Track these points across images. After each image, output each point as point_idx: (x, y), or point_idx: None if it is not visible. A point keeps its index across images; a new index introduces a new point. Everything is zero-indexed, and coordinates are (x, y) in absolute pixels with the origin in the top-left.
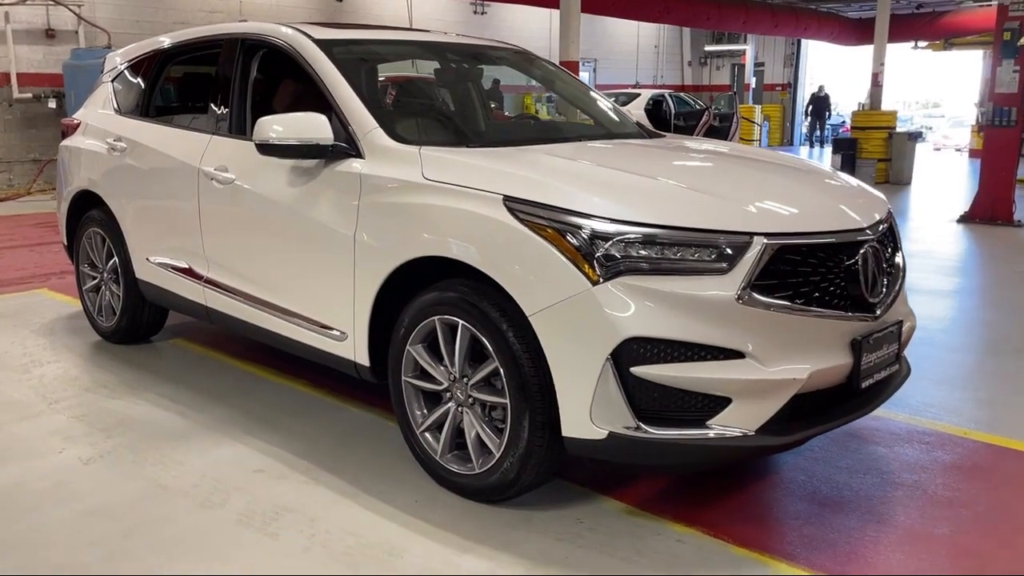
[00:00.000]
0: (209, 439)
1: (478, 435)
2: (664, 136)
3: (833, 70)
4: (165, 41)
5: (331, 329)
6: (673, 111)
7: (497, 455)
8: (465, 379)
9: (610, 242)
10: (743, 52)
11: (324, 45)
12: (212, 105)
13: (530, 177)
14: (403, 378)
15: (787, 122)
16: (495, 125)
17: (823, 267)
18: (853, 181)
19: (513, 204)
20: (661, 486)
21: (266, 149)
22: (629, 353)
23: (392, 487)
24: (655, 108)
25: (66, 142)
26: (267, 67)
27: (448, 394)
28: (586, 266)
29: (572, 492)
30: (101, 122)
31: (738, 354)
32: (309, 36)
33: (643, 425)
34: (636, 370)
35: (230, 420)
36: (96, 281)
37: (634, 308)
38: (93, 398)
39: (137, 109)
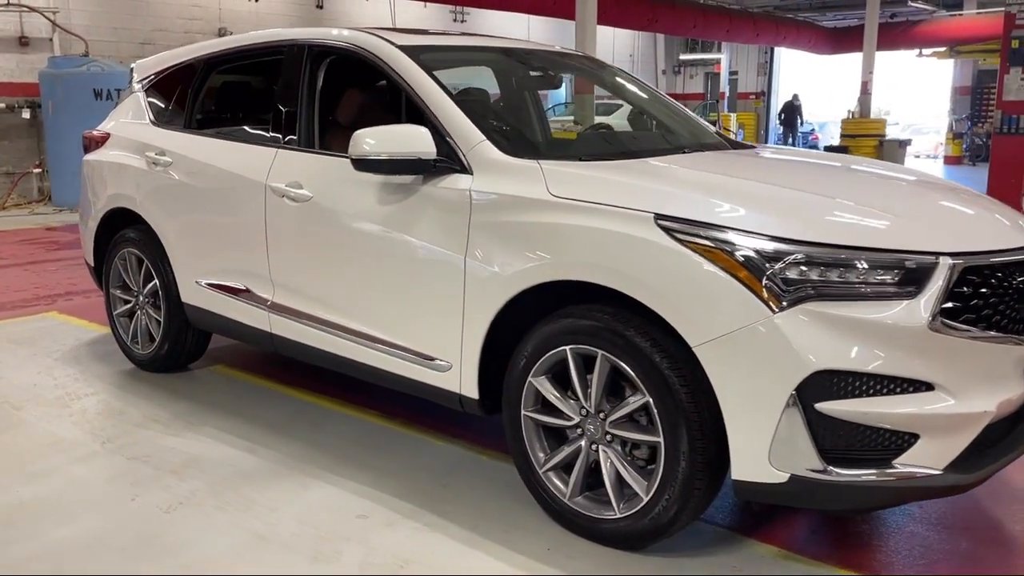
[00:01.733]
0: (293, 480)
1: (618, 475)
2: (755, 147)
3: (805, 79)
4: (209, 48)
5: (432, 359)
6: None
7: (646, 498)
8: (602, 414)
9: (790, 265)
10: (717, 61)
11: (411, 52)
12: (275, 117)
13: (681, 193)
14: (522, 412)
15: (761, 130)
16: (597, 136)
17: (1000, 288)
18: (986, 196)
19: (668, 223)
20: (803, 524)
21: (363, 164)
22: (815, 388)
23: (515, 533)
24: (636, 118)
25: (91, 156)
26: (333, 76)
27: (578, 430)
28: (763, 291)
29: (711, 534)
30: (135, 134)
31: (928, 386)
32: (392, 42)
33: (830, 467)
34: (821, 406)
35: (307, 457)
36: (130, 305)
37: (821, 337)
38: (148, 435)
39: (179, 121)
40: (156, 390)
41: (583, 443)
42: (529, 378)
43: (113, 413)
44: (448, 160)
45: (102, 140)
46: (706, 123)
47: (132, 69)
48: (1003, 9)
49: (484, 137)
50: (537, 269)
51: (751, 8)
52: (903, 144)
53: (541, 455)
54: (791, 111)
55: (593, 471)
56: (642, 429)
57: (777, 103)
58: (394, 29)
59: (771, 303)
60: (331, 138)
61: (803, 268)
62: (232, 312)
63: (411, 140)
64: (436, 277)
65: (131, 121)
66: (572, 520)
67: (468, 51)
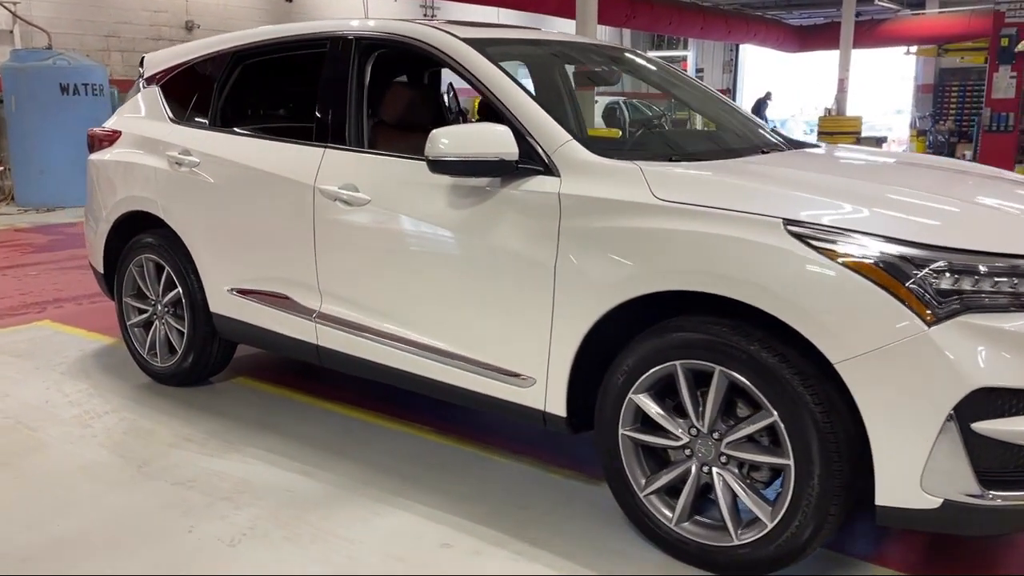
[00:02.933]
0: (359, 505)
1: (735, 500)
2: (819, 145)
3: (769, 77)
4: (238, 40)
5: (513, 375)
6: (628, 118)
7: (771, 524)
8: (716, 434)
9: (943, 274)
10: (684, 58)
11: (477, 45)
12: (320, 114)
13: (808, 197)
14: (620, 431)
15: None
16: (675, 134)
17: None
18: None
19: (800, 229)
20: (918, 545)
21: (439, 166)
22: (973, 407)
23: (618, 562)
24: (609, 115)
25: (98, 156)
26: (376, 71)
27: (686, 451)
28: (915, 303)
29: (828, 559)
30: (152, 132)
31: None
32: (456, 35)
33: (988, 491)
34: (978, 426)
35: (366, 479)
36: (147, 315)
37: (981, 352)
38: (187, 456)
39: (203, 118)
40: (181, 406)
41: (693, 465)
42: (630, 395)
43: (141, 432)
44: (530, 161)
45: (111, 139)
46: (760, 120)
47: (141, 63)
48: (967, 9)
49: (570, 136)
50: (643, 278)
51: (722, 5)
52: (880, 141)
53: (641, 478)
54: (759, 107)
55: (702, 494)
56: (764, 450)
57: (742, 100)
58: (451, 22)
59: (924, 316)
60: (377, 137)
61: (956, 277)
62: (269, 322)
63: (492, 140)
64: (519, 286)
65: (145, 118)
66: (679, 547)
67: (532, 45)
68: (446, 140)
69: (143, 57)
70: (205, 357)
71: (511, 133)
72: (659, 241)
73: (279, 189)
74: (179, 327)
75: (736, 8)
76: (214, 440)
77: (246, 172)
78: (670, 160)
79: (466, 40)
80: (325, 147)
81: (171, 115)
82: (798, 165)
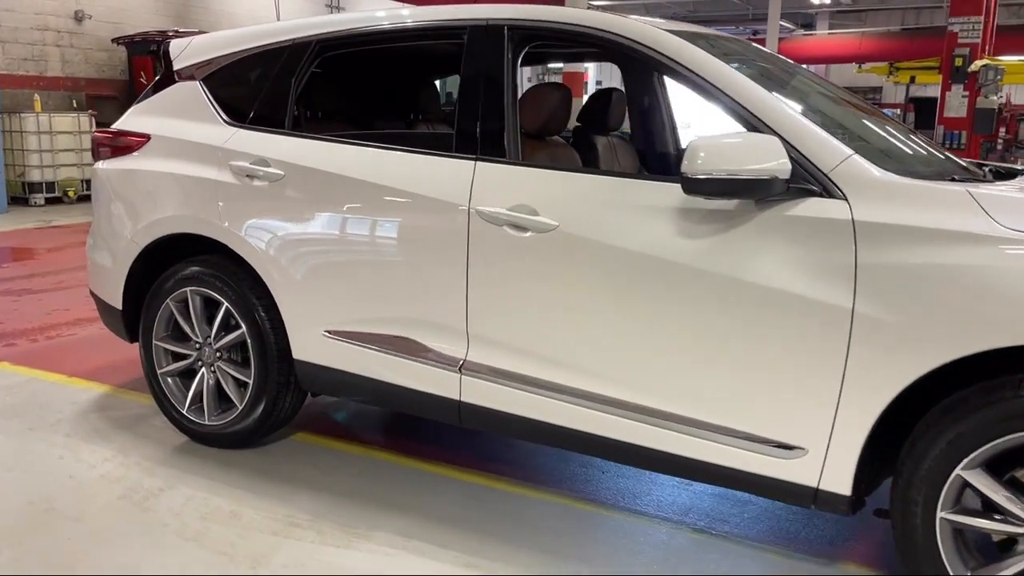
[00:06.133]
0: None
1: None
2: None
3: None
4: (325, 26)
5: (771, 443)
6: None
7: None
8: None
9: None
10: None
11: (690, 39)
12: (462, 119)
13: None
14: (938, 515)
15: None
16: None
17: None
18: None
19: None
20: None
21: (697, 185)
22: None
23: None
24: None
25: (115, 165)
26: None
27: None
28: None
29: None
30: (199, 136)
31: None
32: (662, 27)
33: None
34: None
35: (547, 564)
36: (188, 361)
37: None
38: (307, 550)
39: (276, 120)
40: (250, 476)
41: None
42: (957, 471)
43: (224, 516)
44: (799, 180)
45: (133, 144)
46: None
47: (166, 51)
48: (857, 31)
49: (851, 151)
50: (986, 330)
51: None
52: None
53: (965, 571)
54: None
55: None
56: None
57: None
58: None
59: None
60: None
61: None
62: (385, 373)
63: (760, 153)
64: (791, 335)
65: (185, 120)
66: None
67: (727, 42)
68: (704, 154)
69: (166, 44)
70: (275, 413)
71: (782, 145)
72: (1009, 283)
73: (411, 211)
74: (238, 376)
75: None
76: (326, 524)
77: (357, 189)
78: (953, 180)
79: (680, 33)
80: (476, 160)
81: (225, 116)
82: None
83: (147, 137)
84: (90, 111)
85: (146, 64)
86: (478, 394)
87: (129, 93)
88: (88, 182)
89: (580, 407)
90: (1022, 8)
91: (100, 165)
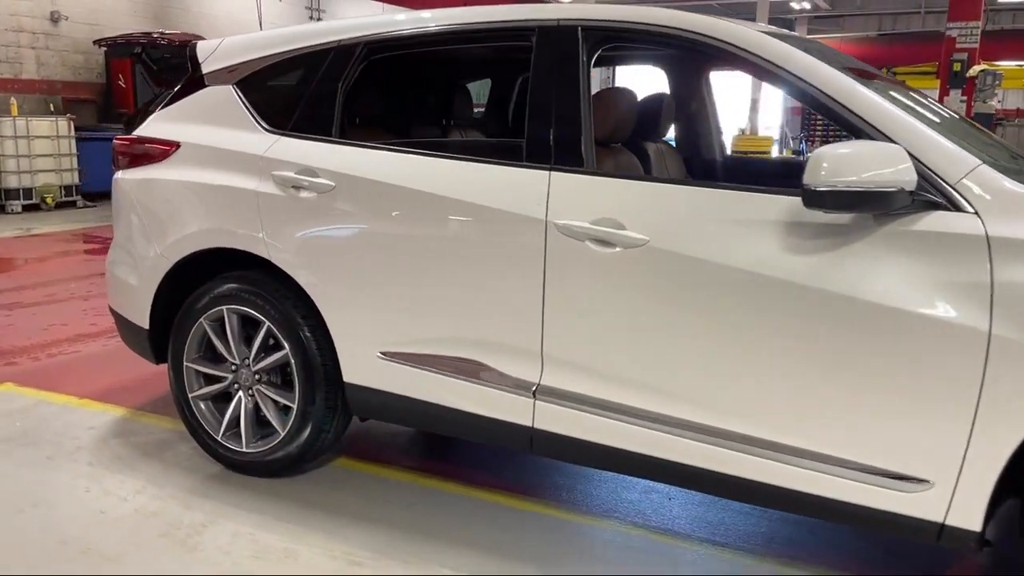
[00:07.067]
0: None
1: None
2: None
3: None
4: (372, 27)
5: (890, 475)
6: None
7: None
8: None
9: None
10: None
11: (791, 42)
12: (536, 126)
13: None
14: None
15: None
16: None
17: None
18: None
19: None
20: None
21: (820, 198)
22: None
23: None
24: None
25: (138, 174)
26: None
27: None
28: None
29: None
30: (236, 144)
31: None
32: (759, 30)
33: None
34: None
35: None
36: (223, 385)
37: None
38: None
39: (321, 127)
40: (296, 508)
41: None
42: None
43: (278, 555)
44: (923, 192)
45: (162, 152)
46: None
47: (194, 53)
48: (837, 36)
49: (979, 161)
50: None
51: None
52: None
53: None
54: None
55: None
56: None
57: None
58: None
59: None
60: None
61: None
62: (448, 398)
63: (885, 164)
64: (916, 358)
65: (221, 127)
66: None
67: (811, 45)
68: (827, 164)
69: (193, 45)
70: (321, 439)
71: (907, 154)
72: None
73: (478, 224)
74: (283, 400)
75: None
76: (390, 562)
77: (416, 201)
78: None
79: (779, 35)
80: (551, 169)
81: (264, 123)
82: None
83: (176, 145)
84: (68, 115)
85: (124, 67)
86: (554, 421)
87: (107, 97)
88: (67, 188)
89: (674, 436)
90: (1015, 13)
91: (123, 175)
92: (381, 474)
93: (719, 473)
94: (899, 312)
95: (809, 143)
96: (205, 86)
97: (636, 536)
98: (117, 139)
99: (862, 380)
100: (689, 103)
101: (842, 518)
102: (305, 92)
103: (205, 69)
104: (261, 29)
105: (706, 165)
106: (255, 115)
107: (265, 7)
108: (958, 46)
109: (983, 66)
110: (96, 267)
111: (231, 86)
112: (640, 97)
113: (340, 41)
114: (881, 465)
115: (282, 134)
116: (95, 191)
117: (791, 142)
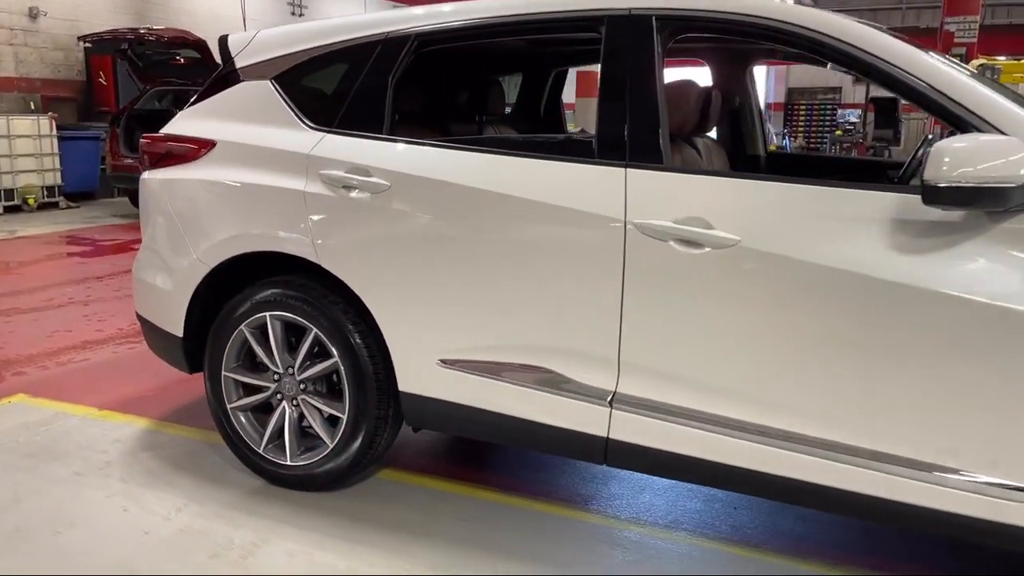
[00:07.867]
0: None
1: None
2: None
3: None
4: (422, 19)
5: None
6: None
7: None
8: None
9: None
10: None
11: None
12: (609, 121)
13: None
14: None
15: None
16: None
17: None
18: None
19: None
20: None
21: (941, 195)
22: None
23: None
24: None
25: (170, 174)
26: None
27: None
28: None
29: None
30: (278, 142)
31: None
32: (856, 21)
33: None
34: None
35: None
36: (265, 395)
37: None
38: None
39: (370, 124)
40: (349, 524)
41: None
42: None
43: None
44: None
45: (196, 151)
46: None
47: (225, 46)
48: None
49: None
50: None
51: None
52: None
53: None
54: None
55: None
56: None
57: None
58: None
59: None
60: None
61: None
62: (516, 407)
63: (1005, 157)
64: None
65: (260, 125)
66: None
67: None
68: (948, 159)
69: (224, 39)
70: (372, 450)
71: None
72: None
73: (547, 224)
74: (332, 410)
75: None
76: None
77: (479, 200)
78: None
79: (870, 24)
80: (627, 166)
81: (307, 119)
82: None
83: (212, 143)
84: (50, 114)
85: (105, 64)
86: (631, 431)
87: (87, 95)
88: (49, 189)
89: (770, 447)
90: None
91: (151, 175)
92: (428, 485)
93: (838, 489)
94: (1016, 313)
95: (792, 139)
96: (239, 81)
97: (709, 549)
98: (145, 137)
99: (979, 390)
100: (733, 97)
101: (980, 536)
102: (352, 87)
103: (239, 63)
104: (244, 25)
105: (751, 161)
106: (297, 111)
107: (248, 3)
108: (956, 41)
109: (982, 60)
110: (91, 270)
111: (269, 81)
112: None
113: (388, 34)
114: (1005, 479)
115: (328, 131)
116: (75, 191)
117: (774, 138)
